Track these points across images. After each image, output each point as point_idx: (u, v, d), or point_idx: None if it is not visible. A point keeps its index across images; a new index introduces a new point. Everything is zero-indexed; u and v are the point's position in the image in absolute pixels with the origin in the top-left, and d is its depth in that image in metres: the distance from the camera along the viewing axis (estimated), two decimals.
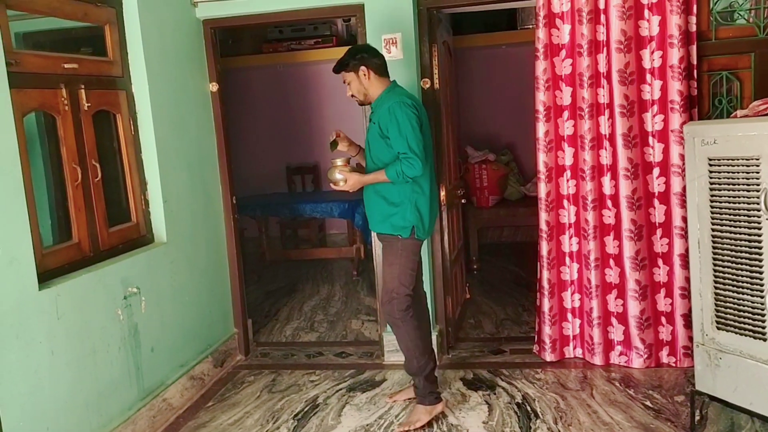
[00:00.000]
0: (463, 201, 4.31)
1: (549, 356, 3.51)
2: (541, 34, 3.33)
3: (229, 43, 6.48)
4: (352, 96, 2.98)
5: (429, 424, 2.94)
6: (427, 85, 3.57)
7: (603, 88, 3.28)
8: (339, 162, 2.95)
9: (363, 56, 2.90)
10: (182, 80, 3.50)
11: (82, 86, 2.81)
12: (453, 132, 4.12)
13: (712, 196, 2.38)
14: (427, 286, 3.64)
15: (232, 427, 3.05)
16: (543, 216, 3.46)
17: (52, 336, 2.47)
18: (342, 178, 2.93)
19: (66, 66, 2.75)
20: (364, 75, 2.89)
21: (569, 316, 3.52)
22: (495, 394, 3.21)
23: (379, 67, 2.93)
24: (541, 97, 3.37)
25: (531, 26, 5.55)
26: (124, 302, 2.89)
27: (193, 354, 3.47)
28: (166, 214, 3.26)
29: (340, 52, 7.46)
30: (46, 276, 2.52)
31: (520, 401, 3.11)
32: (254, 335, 4.24)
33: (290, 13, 3.69)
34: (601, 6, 3.23)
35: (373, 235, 3.37)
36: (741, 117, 2.44)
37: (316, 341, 4.22)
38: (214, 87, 3.79)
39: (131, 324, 2.94)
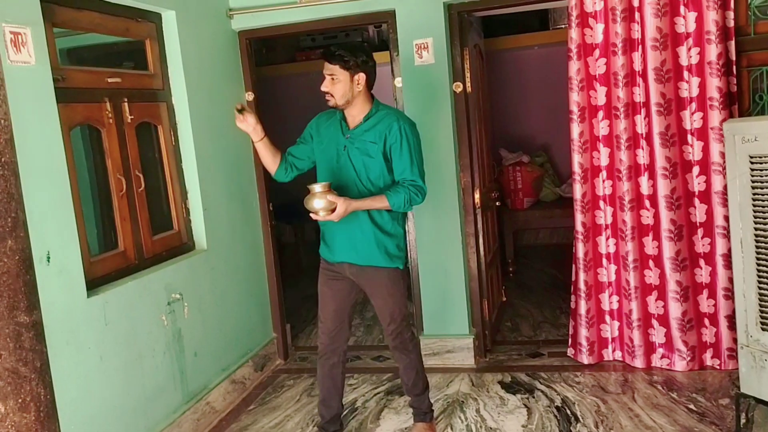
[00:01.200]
0: (497, 203, 4.30)
1: (586, 359, 3.47)
2: (574, 33, 3.31)
3: (263, 52, 6.59)
4: (329, 94, 2.59)
5: (468, 427, 2.94)
6: (459, 89, 3.58)
7: (639, 86, 3.24)
8: (318, 188, 2.49)
9: (367, 62, 2.59)
10: (219, 90, 3.58)
11: (125, 99, 2.91)
12: (486, 135, 4.12)
13: (754, 194, 2.34)
14: (462, 290, 3.65)
15: (273, 430, 3.10)
16: (579, 217, 3.43)
17: (101, 342, 2.56)
18: (326, 207, 2.47)
19: (110, 80, 2.85)
20: (358, 83, 2.57)
21: (607, 318, 3.48)
22: (534, 397, 3.19)
23: (373, 81, 2.65)
24: (575, 97, 3.35)
25: (564, 26, 5.50)
26: (168, 308, 2.97)
27: (235, 358, 3.54)
28: (206, 222, 3.34)
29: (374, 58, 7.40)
30: (93, 284, 2.61)
31: (559, 405, 3.09)
32: (293, 340, 4.30)
33: (322, 22, 3.74)
34: (635, 4, 3.20)
35: (346, 267, 2.73)
36: None
37: (353, 345, 4.24)
38: (249, 96, 3.86)
39: (175, 329, 3.02)
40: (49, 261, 2.33)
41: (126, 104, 2.91)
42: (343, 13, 3.65)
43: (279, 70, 6.80)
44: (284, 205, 6.14)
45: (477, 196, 3.68)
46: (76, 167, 2.60)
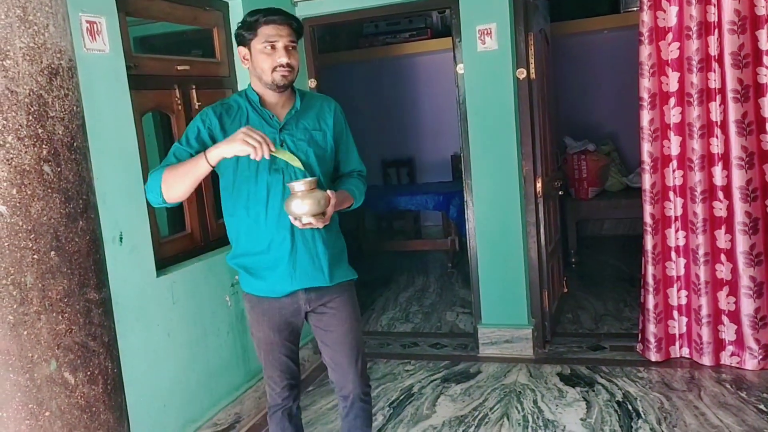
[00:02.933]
0: (560, 193, 4.21)
1: (654, 356, 3.37)
2: (645, 17, 3.18)
3: (326, 39, 6.65)
4: (287, 68, 1.95)
5: (524, 418, 2.92)
6: (523, 76, 3.51)
7: (714, 72, 3.09)
8: (302, 186, 1.86)
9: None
10: None
11: (194, 86, 3.00)
12: (550, 123, 4.03)
13: None
14: (521, 279, 3.60)
15: (331, 412, 3.16)
16: (647, 208, 3.32)
17: (169, 320, 2.67)
18: (315, 210, 1.86)
19: (179, 68, 2.94)
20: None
21: (675, 313, 3.36)
22: (593, 391, 3.13)
23: None
24: (646, 83, 3.23)
25: (635, 9, 5.29)
26: (231, 289, 3.07)
27: None
28: None
29: (436, 44, 7.48)
30: (162, 264, 2.72)
31: (620, 399, 3.02)
32: None
33: (385, 8, 3.74)
34: None
35: (301, 296, 2.09)
36: None
37: (411, 332, 4.27)
38: (312, 83, 3.91)
39: (238, 310, 3.12)
40: (121, 241, 2.45)
41: (194, 91, 3.00)
42: (405, 0, 3.63)
43: (342, 57, 6.85)
44: None
45: (539, 184, 3.61)
46: (147, 152, 2.71)
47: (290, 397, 2.21)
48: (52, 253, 1.19)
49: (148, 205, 2.60)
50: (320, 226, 1.92)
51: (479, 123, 3.56)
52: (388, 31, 6.65)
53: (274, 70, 1.94)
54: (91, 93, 2.30)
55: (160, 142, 3.06)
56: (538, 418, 2.92)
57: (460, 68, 3.58)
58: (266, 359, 2.16)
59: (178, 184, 1.86)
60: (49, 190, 1.20)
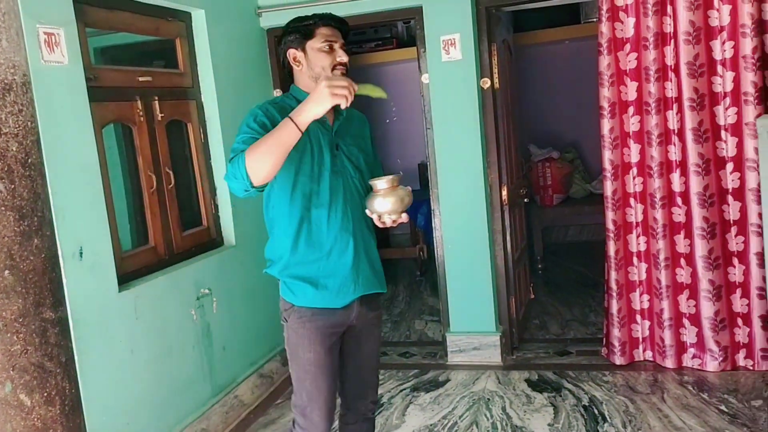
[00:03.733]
0: (526, 200, 4.26)
1: (618, 359, 3.42)
2: (604, 28, 3.26)
3: None
4: (346, 67, 1.98)
5: (493, 425, 2.94)
6: (487, 85, 3.55)
7: (671, 81, 3.17)
8: (384, 184, 1.85)
9: None
10: (248, 88, 3.62)
11: (156, 98, 2.96)
12: (514, 131, 4.09)
13: None
14: (489, 287, 3.63)
15: None
16: (609, 215, 3.38)
17: (132, 336, 2.62)
18: (398, 208, 1.84)
19: (141, 79, 2.90)
20: None
21: (638, 317, 3.42)
22: (561, 396, 3.16)
23: None
24: (606, 92, 3.30)
25: (594, 20, 5.41)
26: (197, 303, 3.03)
27: (263, 353, 3.59)
28: (234, 218, 3.38)
29: (402, 54, 7.48)
30: (125, 278, 2.67)
31: (587, 404, 3.06)
32: None
33: (350, 19, 3.68)
34: None
35: (355, 307, 2.01)
36: None
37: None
38: (278, 93, 3.90)
39: (204, 324, 3.07)
40: (81, 256, 2.39)
41: (156, 102, 2.96)
42: (370, 10, 3.65)
43: None
44: None
45: (504, 192, 3.66)
46: (108, 165, 2.66)
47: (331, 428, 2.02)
48: (6, 272, 1.16)
49: (109, 218, 2.57)
50: (404, 221, 1.87)
51: (445, 132, 3.59)
52: (354, 41, 6.65)
53: (334, 67, 1.93)
54: (49, 106, 2.25)
55: (122, 154, 3.01)
56: (506, 424, 2.94)
57: (425, 78, 3.61)
58: (314, 384, 1.95)
59: (266, 158, 1.67)
60: (2, 208, 1.17)
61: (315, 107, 1.68)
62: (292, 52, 1.96)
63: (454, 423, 3.00)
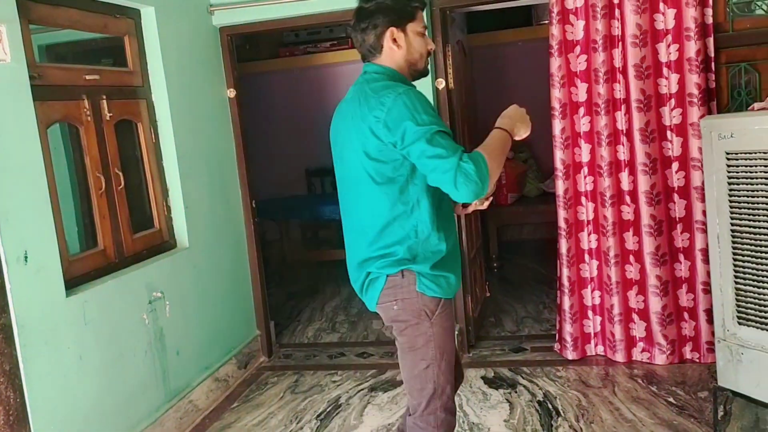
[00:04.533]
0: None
1: (570, 354, 3.50)
2: (555, 30, 3.32)
3: (246, 48, 6.55)
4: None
5: None
6: (442, 85, 3.58)
7: (619, 83, 3.26)
8: None
9: None
10: (200, 87, 3.56)
11: (104, 97, 2.88)
12: (469, 131, 4.13)
13: (730, 190, 2.37)
14: None
15: (257, 428, 3.10)
16: (561, 213, 3.45)
17: (81, 341, 2.54)
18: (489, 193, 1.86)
19: (88, 77, 2.82)
20: None
21: (590, 313, 3.51)
22: (516, 392, 3.21)
23: None
24: (557, 93, 3.36)
25: (546, 22, 5.52)
26: (149, 307, 2.96)
27: (218, 356, 3.53)
28: (187, 220, 3.32)
29: (356, 53, 7.45)
30: (73, 283, 2.59)
31: (541, 399, 3.11)
32: (277, 337, 4.29)
33: (304, 18, 3.73)
34: (615, 0, 3.21)
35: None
36: (758, 110, 2.42)
37: (337, 342, 4.25)
38: (231, 93, 3.84)
39: (157, 328, 3.00)
40: (26, 261, 2.31)
41: (104, 101, 2.88)
42: (325, 9, 3.63)
43: (262, 66, 6.77)
44: (268, 201, 6.14)
45: None
46: (53, 166, 2.57)
47: None
48: None
49: (56, 221, 2.48)
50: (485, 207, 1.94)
51: None
52: (309, 41, 6.62)
53: (428, 54, 1.90)
54: None
55: (69, 155, 2.92)
56: (463, 421, 2.97)
57: None
58: (449, 371, 1.91)
59: (499, 167, 1.75)
60: None
61: (525, 131, 1.86)
62: (393, 32, 1.83)
63: None
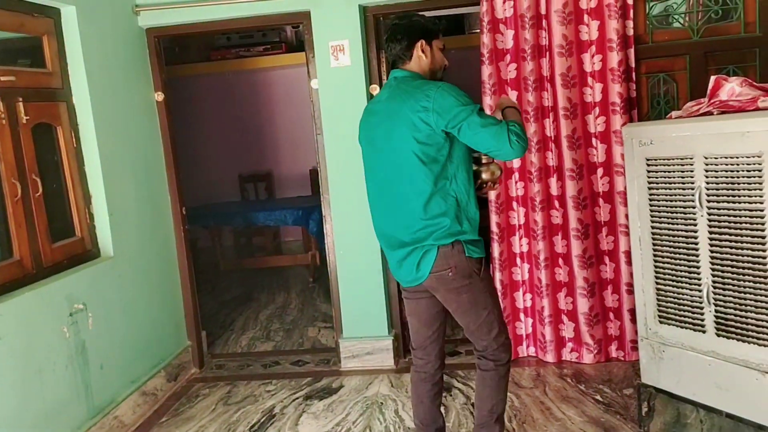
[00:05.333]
0: None
1: None
2: (486, 39, 3.39)
3: (175, 51, 6.38)
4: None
5: (386, 429, 2.96)
6: (376, 91, 3.59)
7: (547, 91, 3.36)
8: (485, 159, 2.32)
9: None
10: (126, 90, 3.43)
11: (20, 99, 2.73)
12: None
13: (650, 194, 2.46)
14: (381, 291, 3.66)
15: None
16: (494, 218, 3.51)
17: None
18: (493, 178, 2.35)
19: (2, 79, 2.66)
20: None
21: (521, 315, 3.58)
22: (451, 395, 3.24)
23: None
24: (488, 101, 3.43)
25: (478, 31, 5.63)
26: (70, 319, 2.81)
27: (145, 369, 3.40)
28: (112, 228, 3.19)
29: (291, 58, 7.46)
30: None
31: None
32: (209, 347, 4.18)
33: (236, 21, 3.66)
34: (543, 11, 3.31)
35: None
36: (675, 118, 2.53)
37: (272, 350, 4.18)
38: (159, 96, 3.72)
39: (78, 341, 2.86)
40: None
41: (20, 104, 2.73)
42: (257, 13, 3.58)
43: (193, 69, 6.62)
44: (200, 208, 5.99)
45: None
46: None
47: None
48: None
49: None
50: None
51: (335, 138, 3.59)
52: (241, 44, 6.52)
53: (442, 68, 2.36)
54: None
55: None
56: (399, 427, 2.97)
57: (315, 83, 3.59)
58: (500, 309, 2.38)
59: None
60: None
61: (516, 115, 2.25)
62: (422, 44, 2.27)
63: (348, 429, 2.99)
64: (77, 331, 2.85)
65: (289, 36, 6.73)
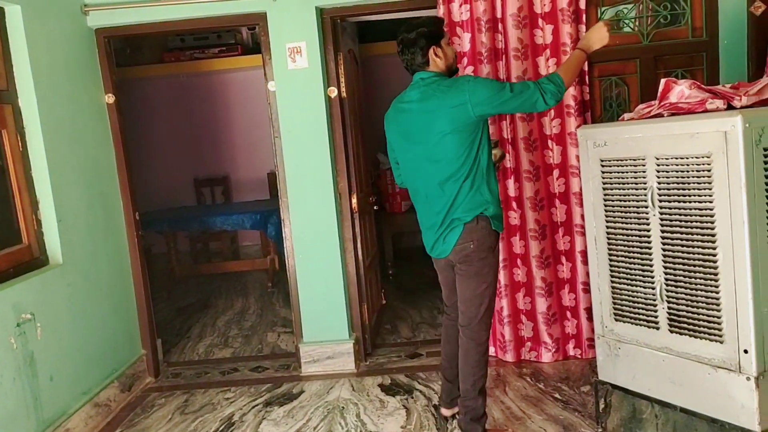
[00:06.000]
0: (375, 207, 4.33)
1: None
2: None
3: (126, 52, 6.23)
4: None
5: None
6: (334, 94, 3.57)
7: None
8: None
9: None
10: (75, 92, 3.32)
11: None
12: (362, 140, 4.14)
13: (605, 195, 2.51)
14: (341, 295, 3.64)
15: None
16: None
17: None
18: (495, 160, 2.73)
19: None
20: None
21: None
22: (412, 398, 3.24)
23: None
24: None
25: None
26: (17, 330, 2.70)
27: (98, 380, 3.29)
28: (61, 234, 3.08)
29: (248, 60, 7.38)
30: None
31: (437, 403, 3.15)
32: (165, 355, 4.08)
33: (189, 22, 3.59)
34: (499, 15, 3.35)
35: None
36: (628, 120, 2.59)
37: (230, 357, 4.10)
38: (110, 98, 3.62)
39: (26, 352, 2.75)
40: None
41: None
42: (212, 14, 3.52)
43: (146, 71, 6.47)
44: (154, 213, 5.85)
45: (354, 200, 3.69)
46: None
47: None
48: None
49: None
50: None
51: (293, 141, 3.55)
52: (196, 46, 6.41)
53: (455, 56, 2.66)
54: None
55: None
56: (361, 430, 2.95)
57: (272, 86, 3.54)
58: (495, 290, 2.64)
59: (572, 77, 2.50)
60: None
61: (600, 42, 2.57)
62: (434, 49, 2.55)
63: None
64: (25, 342, 2.74)
65: (245, 38, 6.65)
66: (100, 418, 3.23)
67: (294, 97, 3.51)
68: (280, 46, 3.48)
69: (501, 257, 3.45)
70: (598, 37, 2.56)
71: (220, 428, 3.09)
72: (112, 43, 3.67)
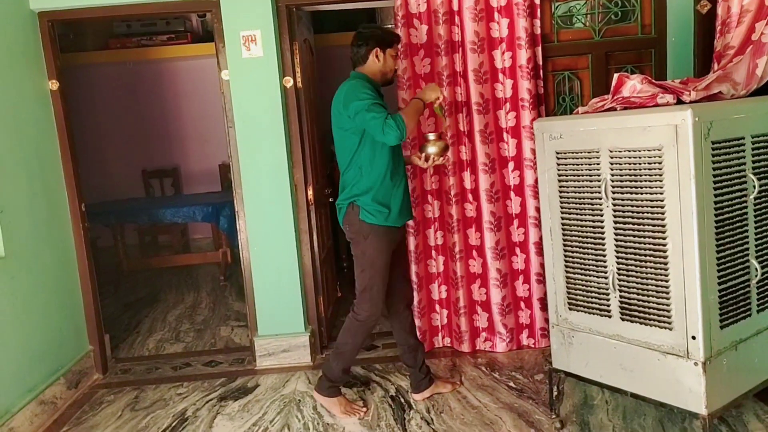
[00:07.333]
0: (330, 200, 4.30)
1: None
2: (400, 33, 3.39)
3: (70, 37, 5.98)
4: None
5: (305, 426, 2.91)
6: (290, 84, 3.52)
7: (460, 86, 3.41)
8: (433, 136, 2.88)
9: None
10: (15, 78, 3.17)
11: None
12: (318, 131, 4.10)
13: (560, 186, 2.56)
14: (296, 287, 3.60)
15: None
16: None
17: None
18: (440, 151, 2.87)
19: None
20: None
21: (437, 307, 3.64)
22: (369, 389, 3.24)
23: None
24: (403, 95, 3.44)
25: (391, 25, 5.65)
26: None
27: (43, 377, 3.17)
28: (2, 226, 2.94)
29: (199, 49, 7.20)
30: None
31: (393, 394, 3.16)
32: (113, 351, 3.95)
33: (136, 7, 3.47)
34: (455, 8, 3.36)
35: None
36: (582, 113, 2.64)
37: (182, 352, 4.01)
38: (54, 85, 3.47)
39: None
40: None
41: None
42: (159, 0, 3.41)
43: (90, 58, 6.24)
44: (101, 204, 5.66)
45: (310, 192, 3.65)
46: None
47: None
48: None
49: None
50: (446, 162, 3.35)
51: (247, 131, 3.48)
52: (143, 33, 6.21)
53: (393, 72, 2.89)
54: None
55: None
56: (318, 423, 2.93)
57: (225, 75, 3.47)
58: (383, 281, 2.83)
59: (412, 122, 2.67)
60: None
61: (434, 95, 2.83)
62: (377, 51, 2.79)
63: (266, 429, 2.92)
64: None
65: (195, 25, 6.48)
66: (46, 416, 3.11)
67: (248, 86, 3.44)
68: (234, 34, 3.40)
69: (414, 268, 3.55)
70: (433, 92, 2.83)
71: (173, 424, 3.02)
72: (56, 27, 3.51)
